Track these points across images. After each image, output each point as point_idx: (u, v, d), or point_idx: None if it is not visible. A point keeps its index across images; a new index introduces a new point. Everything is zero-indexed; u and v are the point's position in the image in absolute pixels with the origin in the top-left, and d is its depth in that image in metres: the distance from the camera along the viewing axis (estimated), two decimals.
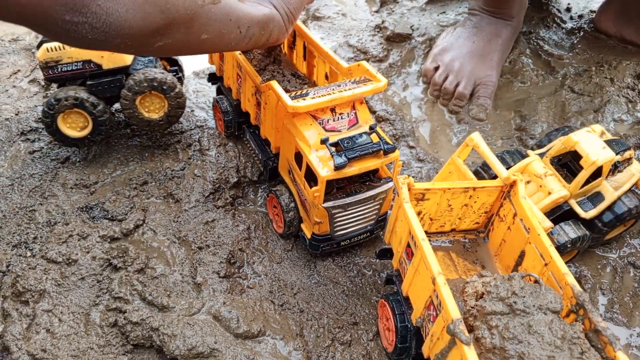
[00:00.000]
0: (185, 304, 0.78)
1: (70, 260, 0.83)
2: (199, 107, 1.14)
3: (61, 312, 0.78)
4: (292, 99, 0.76)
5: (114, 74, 0.94)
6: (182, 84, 1.09)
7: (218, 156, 1.00)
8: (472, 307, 0.60)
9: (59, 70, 0.91)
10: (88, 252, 0.85)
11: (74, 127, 0.95)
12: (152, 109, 0.97)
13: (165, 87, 0.94)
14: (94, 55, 0.91)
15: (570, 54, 1.28)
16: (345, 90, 0.79)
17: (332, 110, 0.81)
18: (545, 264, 0.64)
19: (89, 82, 0.93)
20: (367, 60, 1.24)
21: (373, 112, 1.13)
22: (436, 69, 1.18)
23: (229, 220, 0.91)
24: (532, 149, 0.92)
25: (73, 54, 0.91)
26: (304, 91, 0.80)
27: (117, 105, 1.03)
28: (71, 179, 0.97)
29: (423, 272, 0.63)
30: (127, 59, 0.94)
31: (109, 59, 0.93)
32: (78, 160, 1.01)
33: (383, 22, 1.31)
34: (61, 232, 0.86)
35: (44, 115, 0.93)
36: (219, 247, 0.86)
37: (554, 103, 1.16)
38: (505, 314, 0.57)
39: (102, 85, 0.94)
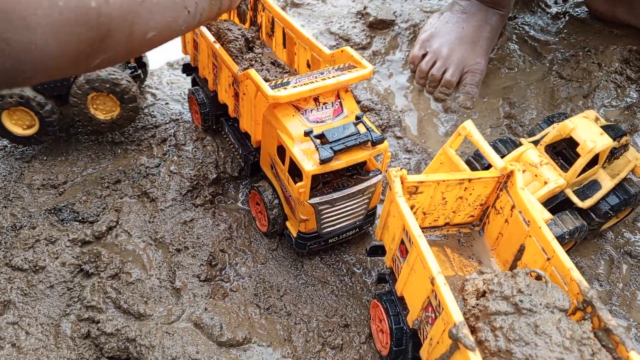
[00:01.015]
0: (163, 311, 0.73)
1: (37, 267, 0.77)
2: (173, 100, 1.08)
3: (28, 324, 0.72)
4: (273, 89, 0.71)
5: None
6: (143, 80, 1.03)
7: (195, 151, 0.94)
8: (473, 307, 0.56)
9: None
10: (57, 258, 0.78)
11: (19, 124, 0.89)
12: (102, 110, 0.91)
13: (117, 90, 0.88)
14: None
15: (557, 39, 1.25)
16: (329, 78, 0.74)
17: (316, 99, 0.76)
18: (548, 259, 0.60)
19: None
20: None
21: (358, 101, 1.09)
22: (424, 55, 1.13)
23: (208, 219, 0.86)
24: (523, 137, 0.89)
25: None
26: (285, 80, 0.75)
27: None
28: (38, 179, 0.90)
29: (419, 270, 0.59)
30: None
31: None
32: (45, 158, 0.95)
33: (365, 8, 1.26)
34: (27, 236, 0.80)
35: None
36: (199, 249, 0.81)
37: (542, 89, 1.13)
38: (510, 314, 0.53)
39: (49, 83, 0.86)
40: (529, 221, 0.64)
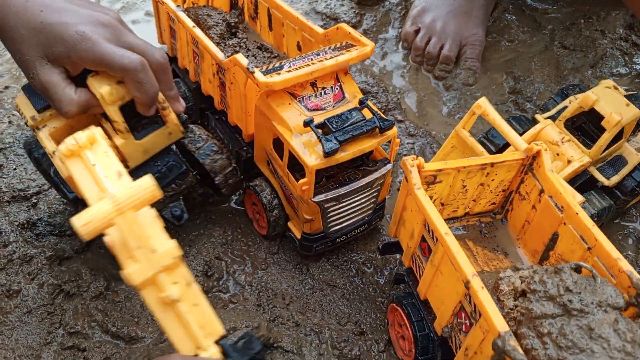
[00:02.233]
0: (157, 331, 0.65)
1: (11, 292, 0.68)
2: None
3: (4, 357, 0.63)
4: (265, 74, 0.63)
5: None
6: None
7: None
8: (511, 309, 0.50)
9: None
10: (33, 279, 0.70)
11: None
12: None
13: None
14: None
15: (555, 7, 1.19)
16: (326, 59, 0.66)
17: (313, 84, 0.68)
18: (589, 249, 0.54)
19: None
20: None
21: None
22: (417, 32, 1.06)
23: (200, 224, 0.78)
24: (537, 112, 0.82)
25: None
26: (277, 64, 0.66)
27: None
28: (7, 190, 0.81)
29: (447, 272, 0.52)
30: None
31: None
32: (14, 167, 0.85)
33: None
34: None
35: None
36: (193, 258, 0.73)
37: (546, 61, 1.06)
38: (559, 316, 0.46)
39: None
40: (562, 207, 0.57)
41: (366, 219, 0.74)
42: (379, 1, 1.16)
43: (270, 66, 0.66)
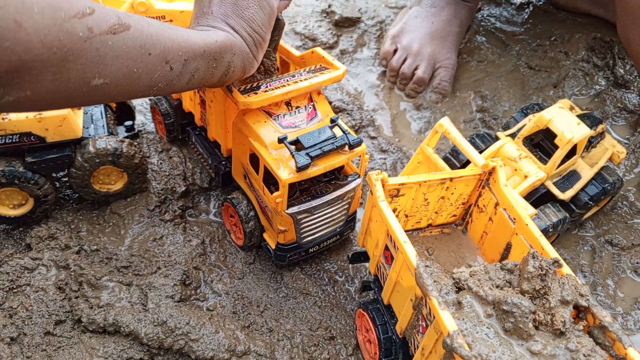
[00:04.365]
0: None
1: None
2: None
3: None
4: (242, 94, 0.67)
5: (60, 148, 0.76)
6: (137, 137, 0.91)
7: (161, 163, 0.89)
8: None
9: None
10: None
11: (7, 204, 0.78)
12: (111, 181, 0.82)
13: (112, 159, 0.78)
14: (35, 127, 0.73)
15: (523, 29, 1.25)
16: (300, 80, 0.71)
17: (288, 104, 0.72)
18: None
19: (29, 159, 0.74)
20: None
21: (329, 102, 1.06)
22: (395, 51, 1.11)
23: (179, 235, 0.81)
24: (499, 130, 0.87)
25: (7, 125, 0.71)
26: (255, 84, 0.71)
27: None
28: None
29: (407, 277, 0.56)
30: (77, 130, 0.76)
31: (55, 132, 0.74)
32: None
33: (329, 6, 1.24)
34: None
35: None
36: (171, 268, 0.76)
37: (513, 81, 1.12)
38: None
39: (47, 162, 0.75)
40: (514, 218, 0.62)
41: (338, 230, 0.78)
42: (355, 23, 1.21)
43: (248, 86, 0.70)
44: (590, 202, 0.80)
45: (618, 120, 1.04)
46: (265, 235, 0.78)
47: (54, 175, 0.86)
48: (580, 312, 0.53)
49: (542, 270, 0.51)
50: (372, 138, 1.00)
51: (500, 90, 1.10)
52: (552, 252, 0.57)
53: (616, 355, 0.49)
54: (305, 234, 0.75)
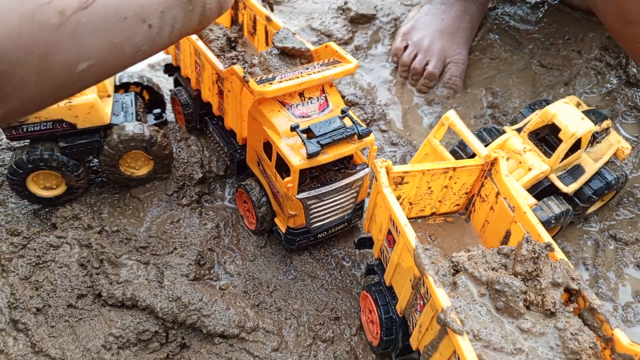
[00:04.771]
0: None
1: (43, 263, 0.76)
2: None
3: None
4: (258, 84, 0.71)
5: (90, 133, 0.81)
6: (165, 124, 0.95)
7: (180, 151, 0.93)
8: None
9: (24, 130, 0.77)
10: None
11: (44, 185, 0.83)
12: (137, 166, 0.87)
13: (145, 145, 0.83)
14: (67, 114, 0.78)
15: (536, 28, 1.27)
16: (314, 73, 0.74)
17: (301, 94, 0.76)
18: None
19: (62, 144, 0.80)
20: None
21: (342, 96, 1.09)
22: (405, 47, 1.14)
23: (195, 218, 0.85)
24: (507, 125, 0.89)
25: (41, 113, 0.76)
26: (270, 75, 0.74)
27: None
28: None
29: (407, 259, 0.59)
30: (105, 118, 0.80)
31: (85, 118, 0.79)
32: None
33: (346, 3, 1.27)
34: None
35: (11, 173, 0.79)
36: (187, 249, 0.80)
37: (524, 78, 1.14)
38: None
39: (78, 147, 0.80)
40: (514, 207, 0.64)
41: (346, 217, 0.82)
42: (370, 20, 1.24)
43: (264, 77, 0.74)
44: (594, 196, 0.82)
45: (628, 118, 1.05)
46: (276, 220, 0.81)
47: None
48: (572, 295, 0.56)
49: (534, 254, 0.54)
50: (383, 131, 1.03)
51: (511, 87, 1.12)
52: (547, 239, 0.59)
53: (604, 336, 0.52)
54: (314, 220, 0.78)
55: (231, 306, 0.72)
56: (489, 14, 1.27)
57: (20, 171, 0.79)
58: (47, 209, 0.86)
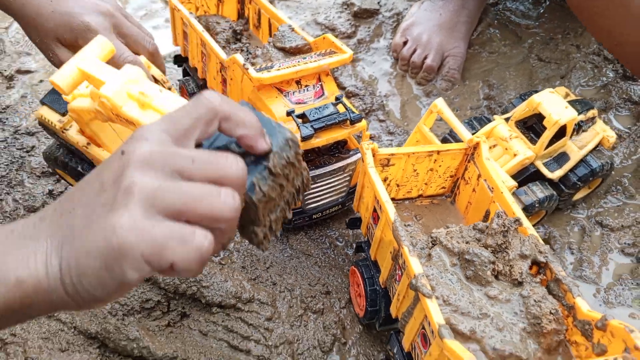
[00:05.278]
0: None
1: None
2: None
3: None
4: (257, 72, 0.76)
5: None
6: None
7: None
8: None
9: None
10: None
11: None
12: None
13: None
14: None
15: (537, 23, 1.29)
16: (310, 62, 0.79)
17: (298, 82, 0.80)
18: None
19: None
20: (336, 37, 1.24)
21: (343, 87, 1.13)
22: (405, 43, 1.18)
23: None
24: (499, 114, 0.93)
25: None
26: (269, 64, 0.79)
27: None
28: (37, 167, 0.95)
29: (388, 233, 0.64)
30: None
31: None
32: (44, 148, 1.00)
33: None
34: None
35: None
36: None
37: (521, 71, 1.17)
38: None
39: None
40: (492, 188, 0.68)
41: (340, 200, 0.86)
42: (373, 14, 1.28)
43: (263, 65, 0.79)
44: (579, 183, 0.85)
45: (622, 110, 1.08)
46: None
47: None
48: (540, 268, 0.59)
49: (504, 228, 0.58)
50: (381, 121, 1.07)
51: (507, 80, 1.15)
52: (521, 217, 0.63)
53: (567, 304, 0.56)
54: (309, 201, 0.83)
55: (229, 279, 0.77)
56: (490, 9, 1.30)
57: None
58: (60, 189, 0.92)
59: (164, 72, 0.75)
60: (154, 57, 0.73)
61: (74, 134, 0.70)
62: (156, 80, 0.69)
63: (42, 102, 0.72)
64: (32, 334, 0.72)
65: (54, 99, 0.71)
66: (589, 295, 0.83)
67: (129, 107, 0.50)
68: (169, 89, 0.70)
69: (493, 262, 0.56)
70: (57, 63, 0.67)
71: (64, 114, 0.70)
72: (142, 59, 0.72)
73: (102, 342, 0.72)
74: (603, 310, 0.81)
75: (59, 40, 0.66)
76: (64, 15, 0.65)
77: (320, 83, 0.82)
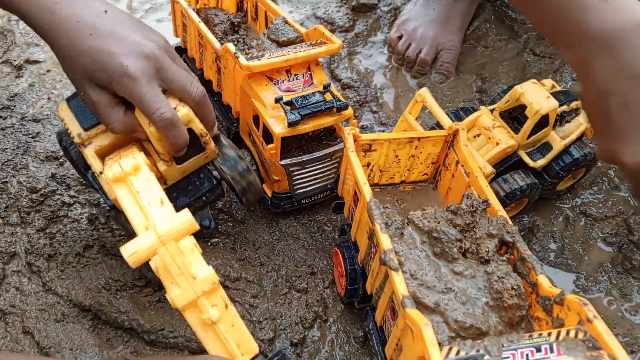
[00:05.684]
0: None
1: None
2: None
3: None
4: (248, 60, 0.79)
5: None
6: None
7: None
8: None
9: None
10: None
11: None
12: None
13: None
14: None
15: None
16: (300, 51, 0.82)
17: (288, 71, 0.83)
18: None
19: None
20: (334, 31, 1.27)
21: (338, 80, 1.16)
22: (399, 37, 1.20)
23: None
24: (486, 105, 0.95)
25: None
26: (261, 53, 0.83)
27: None
28: (42, 151, 1.00)
29: (366, 215, 0.66)
30: None
31: None
32: (49, 135, 1.04)
33: None
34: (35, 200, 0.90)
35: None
36: None
37: (514, 65, 1.19)
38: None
39: None
40: (468, 172, 0.71)
41: (328, 186, 0.89)
42: (371, 9, 1.31)
43: (255, 54, 0.82)
44: (562, 172, 0.86)
45: None
46: (264, 186, 0.89)
47: None
48: (509, 248, 0.62)
49: (472, 208, 0.60)
50: (374, 112, 1.10)
51: (500, 74, 1.17)
52: (494, 202, 0.65)
53: (530, 282, 0.58)
54: (297, 186, 0.86)
55: (219, 258, 0.81)
56: (487, 4, 1.32)
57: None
58: (62, 173, 0.96)
59: (212, 121, 0.67)
60: (200, 107, 0.63)
61: (90, 155, 0.63)
62: (196, 136, 0.64)
63: (68, 103, 0.66)
64: (30, 306, 0.76)
65: (81, 106, 0.64)
66: (570, 282, 0.85)
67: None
68: (215, 137, 0.69)
69: (460, 240, 0.59)
70: (88, 104, 0.60)
71: (87, 129, 0.64)
72: (186, 109, 0.62)
73: (95, 314, 0.76)
74: (583, 296, 0.83)
75: (92, 80, 0.57)
76: (101, 53, 0.56)
77: (309, 72, 0.85)
